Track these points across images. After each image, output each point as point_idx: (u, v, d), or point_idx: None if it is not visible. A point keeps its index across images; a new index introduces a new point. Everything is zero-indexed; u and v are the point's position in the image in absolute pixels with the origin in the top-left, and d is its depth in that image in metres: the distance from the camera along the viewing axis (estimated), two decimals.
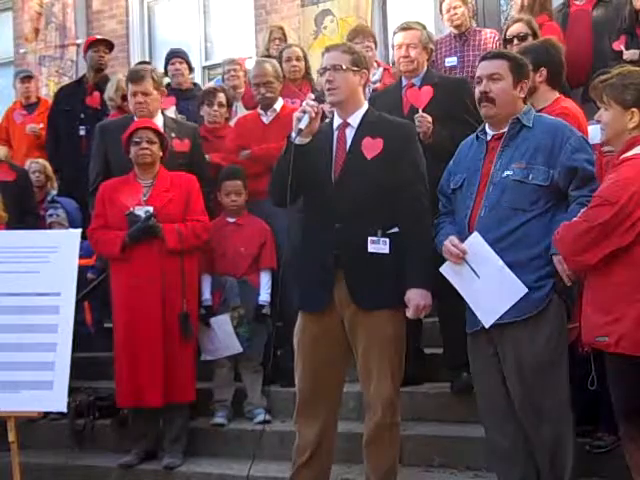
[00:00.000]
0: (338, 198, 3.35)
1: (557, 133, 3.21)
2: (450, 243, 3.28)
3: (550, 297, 3.15)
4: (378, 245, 3.34)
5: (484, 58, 3.39)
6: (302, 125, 3.27)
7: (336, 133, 3.45)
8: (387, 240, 3.35)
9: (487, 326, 3.22)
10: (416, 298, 3.33)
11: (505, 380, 3.24)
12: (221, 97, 5.49)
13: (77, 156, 6.24)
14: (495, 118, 3.30)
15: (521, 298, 3.14)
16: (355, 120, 3.46)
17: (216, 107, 5.43)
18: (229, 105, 5.61)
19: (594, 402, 3.44)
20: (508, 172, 3.21)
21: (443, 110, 4.25)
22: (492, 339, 3.25)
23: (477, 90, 3.31)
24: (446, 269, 3.32)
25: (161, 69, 6.67)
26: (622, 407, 2.98)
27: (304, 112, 3.29)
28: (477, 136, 3.41)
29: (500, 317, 3.18)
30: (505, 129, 3.28)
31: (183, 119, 5.35)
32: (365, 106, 3.51)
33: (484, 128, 3.38)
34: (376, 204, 3.36)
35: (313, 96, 3.40)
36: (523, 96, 3.33)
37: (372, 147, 3.39)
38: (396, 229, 3.38)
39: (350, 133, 3.45)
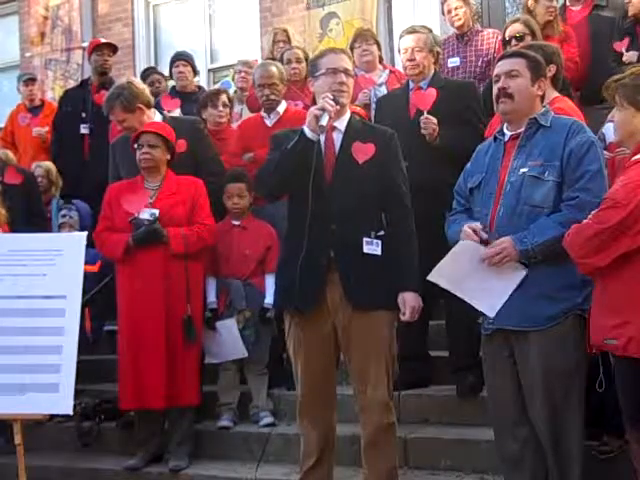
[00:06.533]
0: (332, 200, 3.40)
1: (570, 129, 3.20)
2: (468, 228, 3.26)
3: (574, 312, 3.13)
4: (372, 246, 3.41)
5: (502, 57, 3.41)
6: (324, 122, 3.31)
7: (323, 136, 3.46)
8: (379, 242, 3.42)
9: (492, 315, 3.18)
10: (412, 301, 3.40)
11: (519, 382, 3.22)
12: (224, 98, 5.51)
13: (80, 155, 6.32)
14: (513, 114, 3.29)
15: (543, 309, 3.11)
16: (342, 124, 3.52)
17: (221, 108, 5.45)
18: (231, 106, 5.63)
19: (600, 405, 3.43)
20: (524, 169, 3.20)
21: (449, 112, 4.26)
22: (508, 340, 3.23)
23: (495, 87, 3.31)
24: (434, 275, 3.30)
25: (166, 72, 6.73)
26: (630, 410, 2.96)
27: (323, 110, 3.32)
28: (495, 137, 3.40)
29: (521, 325, 3.15)
30: (522, 129, 3.28)
31: None
32: (349, 112, 3.58)
33: (502, 129, 3.38)
34: (368, 206, 3.44)
35: (332, 95, 3.40)
36: (541, 94, 3.32)
37: (363, 151, 3.46)
38: (383, 232, 3.45)
39: (338, 137, 3.51)
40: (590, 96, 4.99)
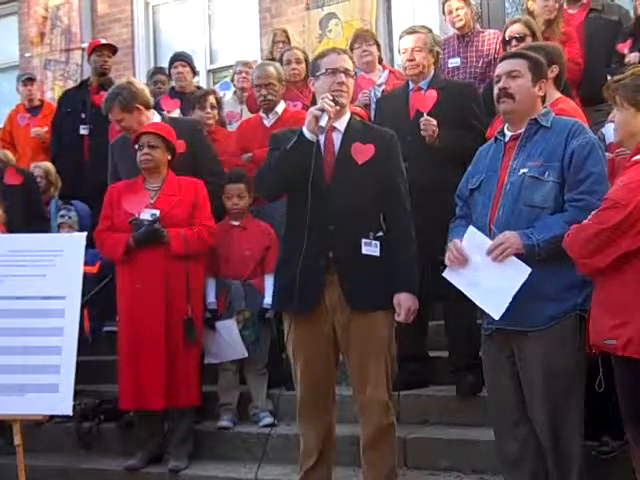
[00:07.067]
0: (331, 200, 3.39)
1: (571, 130, 3.20)
2: (453, 246, 3.27)
3: (574, 312, 3.13)
4: (370, 247, 3.42)
5: (503, 58, 3.41)
6: (323, 123, 3.31)
7: (322, 136, 3.45)
8: (378, 243, 3.42)
9: (497, 318, 3.16)
10: (407, 302, 3.40)
11: (519, 382, 3.21)
12: (212, 99, 5.52)
13: (79, 156, 6.33)
14: (513, 114, 3.28)
15: (543, 309, 3.11)
16: (342, 125, 3.51)
17: (208, 109, 5.45)
18: (220, 107, 5.63)
19: (600, 405, 3.42)
20: (524, 170, 3.20)
21: (449, 114, 4.26)
22: (508, 340, 3.22)
23: (495, 88, 3.31)
24: (448, 273, 3.30)
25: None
26: (629, 410, 2.96)
27: (322, 110, 3.32)
28: (496, 138, 3.40)
29: (521, 325, 3.14)
30: (522, 129, 3.28)
31: None
32: (349, 112, 3.58)
33: (502, 130, 3.38)
34: (367, 207, 3.44)
35: (331, 96, 3.39)
36: (542, 95, 3.33)
37: (363, 152, 3.45)
38: (382, 233, 3.45)
39: (337, 137, 3.50)
40: (586, 97, 5.00)
